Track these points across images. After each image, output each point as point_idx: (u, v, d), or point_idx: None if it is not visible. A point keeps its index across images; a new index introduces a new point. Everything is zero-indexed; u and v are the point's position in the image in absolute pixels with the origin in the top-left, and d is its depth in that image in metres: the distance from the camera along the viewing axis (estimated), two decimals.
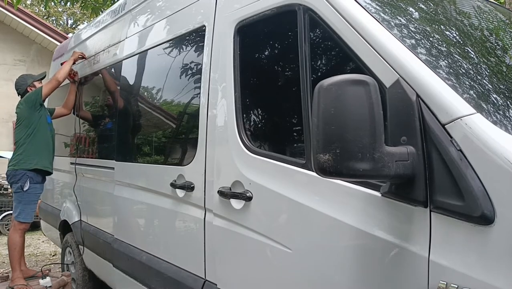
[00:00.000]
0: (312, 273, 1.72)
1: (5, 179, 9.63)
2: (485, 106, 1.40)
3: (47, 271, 4.51)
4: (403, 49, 1.50)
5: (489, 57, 1.82)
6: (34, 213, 4.18)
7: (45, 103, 4.40)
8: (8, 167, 4.18)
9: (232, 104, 2.17)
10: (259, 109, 2.26)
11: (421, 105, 1.36)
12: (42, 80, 4.57)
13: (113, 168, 3.44)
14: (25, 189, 4.03)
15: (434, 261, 1.31)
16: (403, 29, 1.69)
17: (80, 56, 4.25)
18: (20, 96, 4.45)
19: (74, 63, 4.26)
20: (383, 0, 1.84)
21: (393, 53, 1.49)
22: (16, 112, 4.29)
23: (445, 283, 1.27)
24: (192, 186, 2.42)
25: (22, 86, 4.41)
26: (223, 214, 2.18)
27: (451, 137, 1.29)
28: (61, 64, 4.46)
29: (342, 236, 1.61)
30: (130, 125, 3.42)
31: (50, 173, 4.30)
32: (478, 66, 1.69)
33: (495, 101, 1.49)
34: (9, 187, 9.27)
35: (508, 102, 1.52)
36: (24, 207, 4.07)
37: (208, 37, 2.43)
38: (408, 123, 1.35)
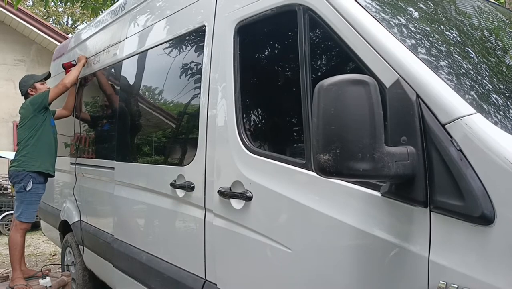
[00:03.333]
0: (312, 273, 1.72)
1: (6, 178, 9.63)
2: (485, 106, 1.40)
3: (47, 271, 4.51)
4: (403, 49, 1.50)
5: (489, 57, 1.82)
6: (35, 213, 4.18)
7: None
8: (10, 167, 4.18)
9: (232, 104, 2.17)
10: (259, 109, 2.26)
11: (421, 105, 1.36)
12: (46, 80, 4.54)
13: (113, 168, 3.44)
14: (27, 189, 4.03)
15: (434, 261, 1.31)
16: (403, 29, 1.69)
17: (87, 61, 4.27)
18: (23, 97, 4.43)
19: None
20: (383, 0, 1.84)
21: (393, 53, 1.49)
22: (19, 113, 4.27)
23: (445, 283, 1.27)
24: (192, 186, 2.42)
25: (23, 88, 4.39)
26: (223, 214, 2.18)
27: (451, 137, 1.29)
28: (62, 65, 4.45)
29: (342, 236, 1.61)
30: (130, 125, 3.42)
31: (52, 176, 4.29)
32: (478, 66, 1.69)
33: (495, 101, 1.49)
34: (9, 186, 9.31)
35: (508, 102, 1.52)
36: (26, 207, 4.07)
37: (208, 37, 2.43)
38: (408, 123, 1.35)
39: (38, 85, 4.38)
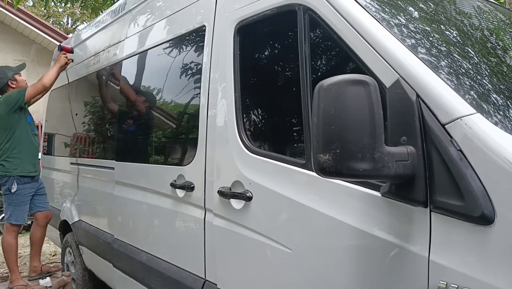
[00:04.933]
0: (312, 273, 1.72)
1: None
2: (485, 106, 1.40)
3: (54, 269, 4.49)
4: (403, 49, 1.50)
5: (489, 57, 1.82)
6: (26, 214, 4.06)
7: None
8: None
9: (232, 104, 2.17)
10: (259, 109, 2.26)
11: (421, 105, 1.36)
12: (21, 73, 4.29)
13: (113, 168, 3.44)
14: (12, 191, 3.94)
15: (434, 261, 1.31)
16: (403, 29, 1.69)
17: (67, 60, 4.13)
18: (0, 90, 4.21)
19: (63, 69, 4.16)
20: (383, 0, 1.84)
21: (393, 53, 1.49)
22: None
23: (445, 283, 1.27)
24: (192, 186, 2.42)
25: (2, 80, 4.13)
26: (223, 214, 2.18)
27: (451, 137, 1.29)
28: (59, 46, 4.33)
29: (342, 236, 1.61)
30: (130, 125, 3.42)
31: (34, 176, 4.20)
32: (478, 66, 1.69)
33: (495, 101, 1.49)
34: None
35: (508, 102, 1.52)
36: (14, 209, 4.00)
37: (208, 37, 2.43)
38: (408, 123, 1.35)
39: (17, 77, 4.18)
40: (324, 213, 1.66)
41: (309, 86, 1.77)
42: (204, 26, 2.48)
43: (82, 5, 7.56)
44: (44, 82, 3.97)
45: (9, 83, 4.15)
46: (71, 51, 4.25)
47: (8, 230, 4.08)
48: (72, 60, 4.24)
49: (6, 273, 4.72)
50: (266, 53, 2.29)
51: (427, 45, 1.63)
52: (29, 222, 4.62)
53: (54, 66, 4.10)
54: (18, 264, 4.19)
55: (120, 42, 3.60)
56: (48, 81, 3.98)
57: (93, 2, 7.50)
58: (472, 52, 1.77)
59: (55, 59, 5.31)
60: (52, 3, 7.73)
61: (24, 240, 6.20)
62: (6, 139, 3.94)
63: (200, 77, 2.45)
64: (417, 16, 1.89)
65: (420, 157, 1.32)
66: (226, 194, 2.13)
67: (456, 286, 1.24)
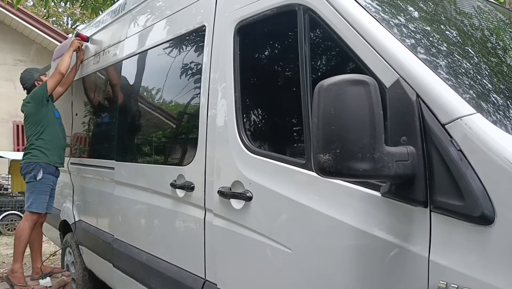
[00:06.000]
0: (312, 273, 1.72)
1: (6, 178, 9.55)
2: (485, 106, 1.40)
3: (56, 269, 4.49)
4: (403, 49, 1.50)
5: (489, 57, 1.82)
6: (45, 204, 4.12)
7: None
8: (22, 160, 4.19)
9: (232, 104, 2.17)
10: (259, 109, 2.26)
11: (421, 105, 1.36)
12: (46, 73, 4.55)
13: (113, 168, 3.44)
14: (38, 178, 4.01)
15: (434, 261, 1.31)
16: (403, 29, 1.69)
17: (79, 44, 4.29)
18: (26, 91, 4.40)
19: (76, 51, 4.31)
20: (383, 0, 1.84)
21: (393, 53, 1.49)
22: (22, 110, 4.25)
23: (445, 283, 1.27)
24: (192, 186, 2.42)
25: (29, 81, 4.37)
26: (223, 214, 2.18)
27: (451, 137, 1.29)
28: (77, 32, 4.46)
29: (342, 236, 1.61)
30: (130, 125, 3.42)
31: (59, 167, 4.28)
32: (478, 66, 1.69)
33: (495, 101, 1.49)
34: (9, 186, 9.31)
35: (508, 102, 1.52)
36: (36, 197, 4.04)
37: (208, 37, 2.43)
38: (408, 123, 1.35)
39: (43, 77, 4.38)
40: (324, 213, 1.66)
41: (309, 86, 1.77)
42: (204, 26, 2.48)
43: (82, 5, 7.56)
44: (60, 69, 4.15)
45: (36, 84, 4.36)
46: (86, 39, 4.40)
47: (26, 218, 4.10)
48: (88, 39, 4.35)
49: (6, 273, 4.72)
50: (266, 53, 2.29)
51: (427, 45, 1.63)
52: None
53: (67, 51, 4.26)
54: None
55: (120, 42, 3.60)
56: (64, 67, 4.15)
57: (93, 2, 7.50)
58: (472, 52, 1.77)
59: (55, 59, 5.35)
60: (52, 3, 7.72)
61: None
62: (35, 132, 4.10)
63: (200, 77, 2.45)
64: (417, 16, 1.89)
65: (420, 157, 1.32)
66: (226, 194, 2.13)
67: (456, 286, 1.24)
